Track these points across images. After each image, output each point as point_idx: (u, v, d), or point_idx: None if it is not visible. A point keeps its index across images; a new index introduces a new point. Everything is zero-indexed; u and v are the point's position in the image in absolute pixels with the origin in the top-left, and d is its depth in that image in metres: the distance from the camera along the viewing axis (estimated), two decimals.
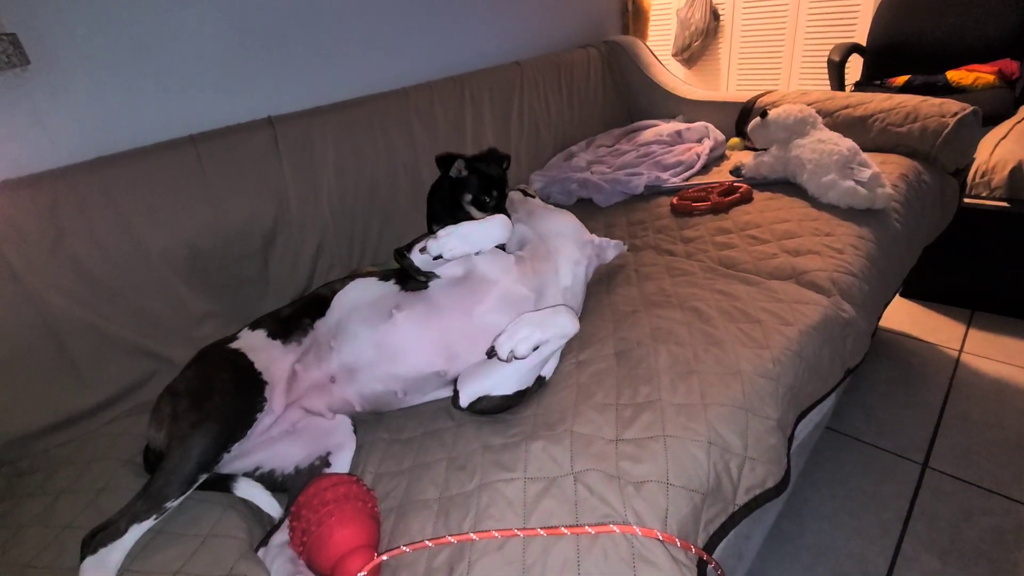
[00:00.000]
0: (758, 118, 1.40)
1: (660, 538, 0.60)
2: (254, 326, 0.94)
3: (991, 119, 1.98)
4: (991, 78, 2.23)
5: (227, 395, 0.78)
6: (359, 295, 0.93)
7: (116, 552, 0.64)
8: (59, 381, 0.99)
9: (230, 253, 1.17)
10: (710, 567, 0.63)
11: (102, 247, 1.03)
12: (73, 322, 1.00)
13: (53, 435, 0.97)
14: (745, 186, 1.35)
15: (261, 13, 1.25)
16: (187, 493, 0.70)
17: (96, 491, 0.78)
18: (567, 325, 0.79)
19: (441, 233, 0.84)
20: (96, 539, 0.65)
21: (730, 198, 1.31)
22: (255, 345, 0.89)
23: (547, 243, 0.99)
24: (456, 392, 0.80)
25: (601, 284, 1.10)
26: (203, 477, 0.71)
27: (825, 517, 1.21)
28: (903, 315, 1.83)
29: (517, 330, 0.75)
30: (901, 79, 2.38)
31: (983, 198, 1.75)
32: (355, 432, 0.84)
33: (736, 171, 1.46)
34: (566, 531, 0.60)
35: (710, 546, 0.66)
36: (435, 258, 0.84)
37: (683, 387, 0.76)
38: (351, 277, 0.98)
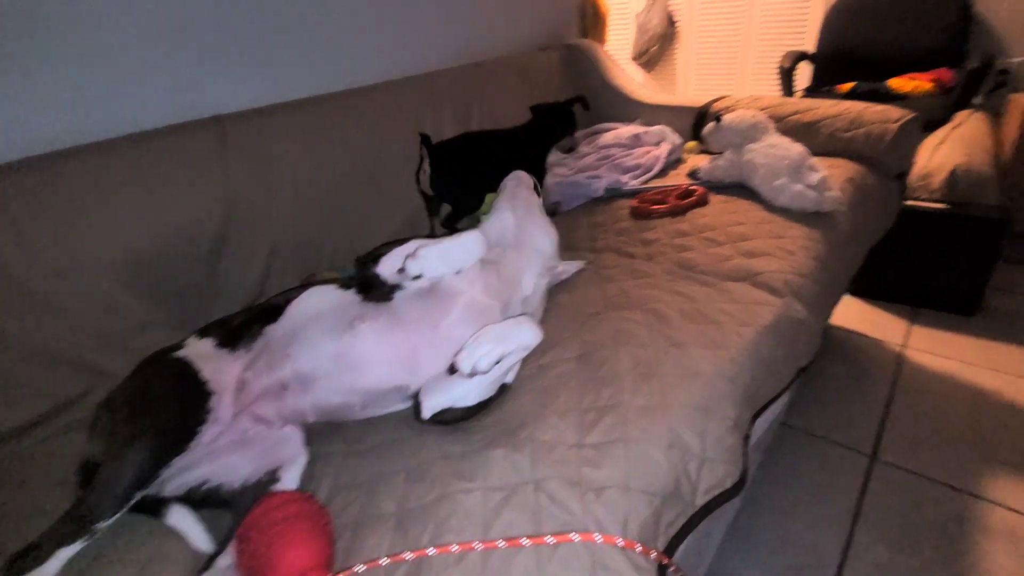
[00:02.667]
0: (713, 123, 1.43)
1: (620, 544, 0.59)
2: (202, 334, 0.89)
3: (929, 125, 2.09)
4: (929, 86, 2.35)
5: (168, 407, 0.74)
6: (317, 303, 0.89)
7: None
8: None
9: (174, 257, 1.11)
10: (670, 570, 0.63)
11: (30, 253, 0.96)
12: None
13: None
14: (701, 189, 1.37)
15: (210, 5, 1.20)
16: (119, 513, 0.65)
17: (27, 515, 0.72)
18: (529, 336, 0.78)
19: (421, 252, 0.82)
20: (16, 566, 0.60)
21: (687, 201, 1.33)
22: (202, 354, 0.84)
23: (522, 253, 0.99)
24: (418, 404, 0.78)
25: (564, 286, 1.09)
26: (139, 495, 0.67)
27: (782, 511, 1.25)
28: (851, 312, 1.91)
29: (478, 345, 0.73)
30: (847, 86, 2.48)
31: (923, 200, 1.84)
32: (307, 445, 0.80)
33: (693, 174, 1.49)
34: (526, 542, 0.59)
35: (670, 548, 0.66)
36: (414, 278, 0.82)
37: (645, 389, 0.76)
38: (308, 284, 0.94)
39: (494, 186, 1.37)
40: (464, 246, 0.86)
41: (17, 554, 0.61)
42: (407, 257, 0.82)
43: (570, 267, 1.12)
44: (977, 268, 1.76)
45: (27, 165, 0.98)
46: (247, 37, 1.27)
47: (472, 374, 0.73)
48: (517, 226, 1.02)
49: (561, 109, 1.58)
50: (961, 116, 2.25)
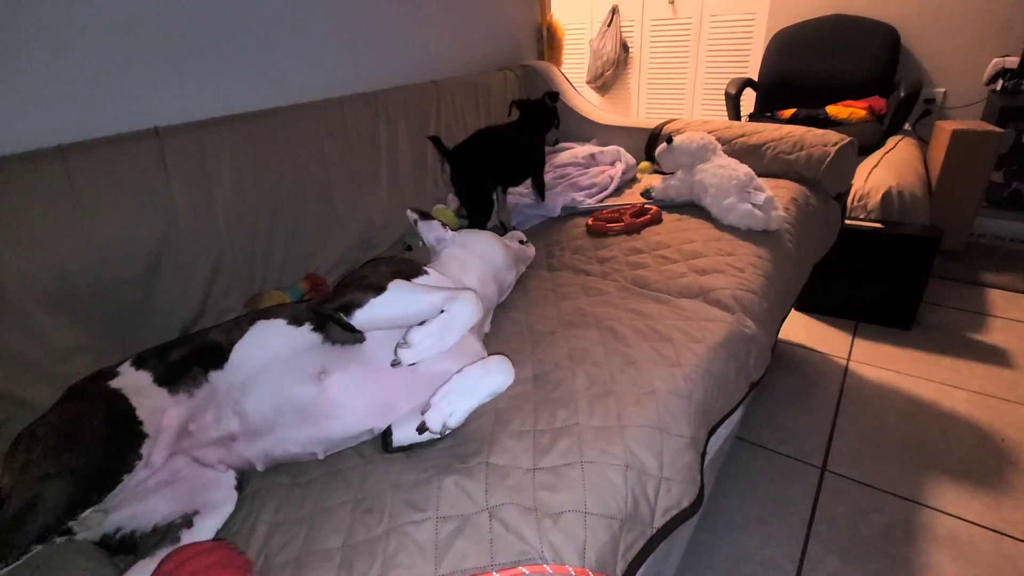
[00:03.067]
0: (665, 144, 1.46)
1: (572, 574, 0.57)
2: (138, 364, 0.81)
3: (865, 149, 2.21)
4: (863, 113, 2.50)
5: (94, 447, 0.66)
6: (268, 348, 0.79)
7: None
8: None
9: (106, 277, 1.04)
10: None
11: None
12: None
13: None
14: (655, 208, 1.40)
15: (149, 13, 1.14)
16: (13, 565, 0.58)
17: None
18: (501, 382, 0.72)
19: (414, 337, 0.73)
20: None
21: (642, 219, 1.35)
22: (139, 388, 0.76)
23: (482, 271, 0.98)
24: (387, 436, 0.75)
25: (519, 303, 1.08)
26: (37, 548, 0.60)
27: (738, 526, 1.25)
28: (797, 327, 1.97)
29: (447, 403, 0.69)
30: (788, 112, 2.61)
31: (860, 220, 1.94)
32: (239, 489, 0.74)
33: (646, 193, 1.52)
34: None
35: (629, 573, 0.64)
36: (411, 365, 0.74)
37: (600, 409, 0.75)
38: (251, 318, 0.85)
39: (499, 182, 1.46)
40: (462, 318, 0.76)
41: None
42: (398, 346, 0.73)
43: (529, 251, 1.15)
44: (912, 284, 1.85)
45: None
46: (191, 46, 1.22)
47: (442, 433, 0.69)
48: (466, 251, 1.00)
49: (542, 104, 1.59)
50: (893, 141, 2.40)
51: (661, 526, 0.69)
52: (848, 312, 2.00)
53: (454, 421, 0.69)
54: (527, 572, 0.55)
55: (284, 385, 0.76)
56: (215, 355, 0.81)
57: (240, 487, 0.76)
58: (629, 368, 0.83)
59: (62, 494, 0.61)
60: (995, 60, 2.46)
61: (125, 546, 0.69)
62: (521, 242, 1.17)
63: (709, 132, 1.54)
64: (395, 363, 0.73)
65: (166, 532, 0.68)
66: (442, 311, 0.75)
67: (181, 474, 0.75)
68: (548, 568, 0.55)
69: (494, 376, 0.72)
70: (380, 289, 0.75)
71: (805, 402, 1.63)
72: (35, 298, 0.96)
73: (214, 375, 0.79)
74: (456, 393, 0.70)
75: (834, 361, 1.80)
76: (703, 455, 0.82)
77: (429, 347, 0.73)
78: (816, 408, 1.60)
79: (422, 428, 0.69)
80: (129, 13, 1.11)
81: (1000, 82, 2.40)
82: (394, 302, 0.75)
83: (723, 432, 0.94)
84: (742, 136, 1.64)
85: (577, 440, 0.70)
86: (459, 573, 0.56)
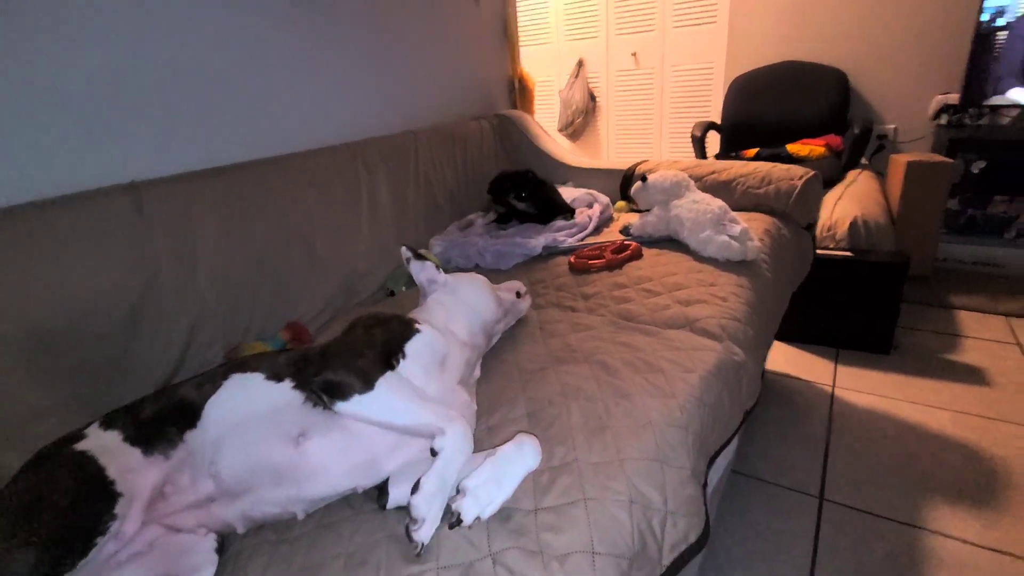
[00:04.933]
0: (639, 182, 1.51)
1: None
2: (106, 424, 0.76)
3: (826, 183, 2.31)
4: (822, 150, 2.63)
5: (62, 513, 0.61)
6: (243, 405, 0.75)
7: None
8: None
9: (83, 333, 1.00)
10: None
11: None
12: None
13: None
14: (635, 244, 1.42)
15: (129, 67, 1.15)
16: None
17: None
18: (533, 463, 0.68)
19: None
20: None
21: (623, 255, 1.37)
22: (109, 448, 0.71)
23: (470, 322, 0.96)
24: (382, 495, 0.71)
25: (506, 343, 1.07)
26: None
27: (741, 562, 1.22)
28: (781, 357, 1.99)
29: (484, 493, 0.63)
30: (751, 151, 2.72)
31: (831, 249, 2.00)
32: (219, 552, 0.70)
33: (625, 230, 1.55)
34: None
35: None
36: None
37: (598, 444, 0.74)
38: (224, 371, 0.80)
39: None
40: (458, 461, 0.66)
41: None
42: (408, 525, 0.63)
43: (517, 304, 1.11)
44: (885, 308, 1.90)
45: None
46: (170, 100, 1.23)
47: (474, 524, 0.63)
48: (455, 299, 0.99)
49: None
50: (852, 175, 2.52)
51: (670, 563, 0.66)
52: (828, 340, 2.03)
53: (489, 512, 0.63)
54: None
55: (260, 445, 0.72)
56: (188, 413, 0.76)
57: (221, 550, 0.71)
58: (623, 401, 0.82)
59: (27, 566, 0.56)
60: (937, 97, 2.63)
61: None
62: (519, 293, 1.14)
63: (681, 170, 1.59)
64: (454, 524, 0.62)
65: None
66: (432, 447, 0.67)
67: (156, 543, 0.70)
68: None
69: (527, 458, 0.68)
70: (368, 382, 0.70)
71: (796, 431, 1.62)
72: (6, 355, 0.92)
73: (190, 435, 0.75)
74: (493, 481, 0.64)
75: (820, 388, 1.81)
76: (705, 485, 0.80)
77: (439, 507, 0.64)
78: (808, 437, 1.59)
79: (455, 523, 0.61)
80: (108, 67, 1.12)
81: (944, 117, 2.56)
82: (380, 409, 0.70)
83: (721, 463, 0.93)
84: (712, 173, 1.70)
85: (577, 477, 0.68)
86: None
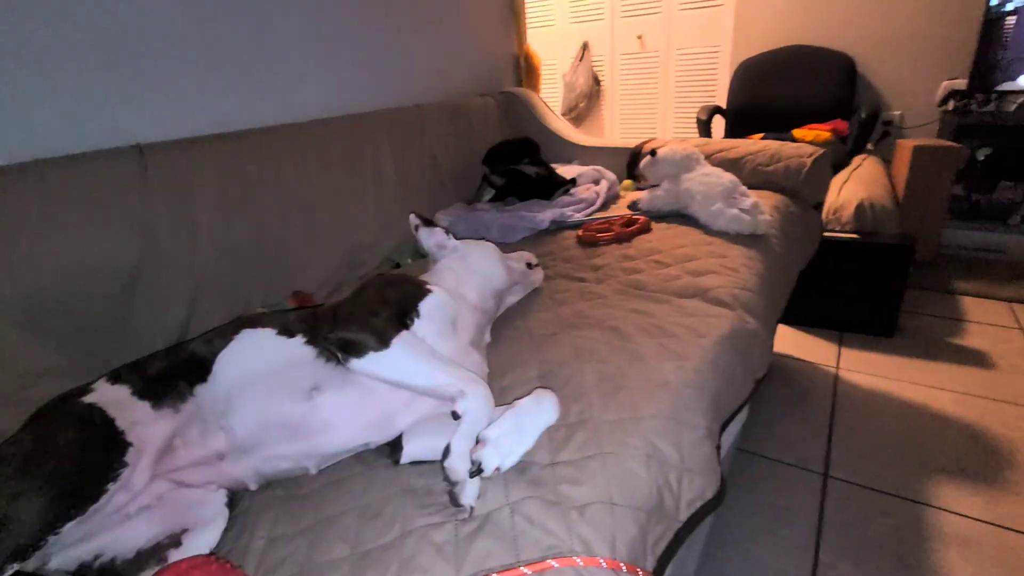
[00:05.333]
0: (649, 156, 1.49)
1: (603, 566, 0.54)
2: (113, 379, 0.75)
3: (832, 168, 2.30)
4: (828, 135, 2.61)
5: (70, 459, 0.60)
6: (255, 359, 0.74)
7: None
8: None
9: (81, 298, 0.98)
10: None
11: None
12: None
13: None
14: (643, 218, 1.41)
15: (133, 30, 1.13)
16: None
17: None
18: (552, 418, 0.67)
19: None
20: None
21: (631, 228, 1.36)
22: (116, 401, 0.70)
23: (481, 288, 0.94)
24: (395, 451, 0.70)
25: (516, 310, 1.06)
26: (14, 567, 0.53)
27: (747, 537, 1.22)
28: (783, 339, 1.99)
29: (506, 443, 0.61)
30: (757, 136, 2.70)
31: (836, 232, 1.99)
32: (230, 506, 0.69)
33: (633, 205, 1.53)
34: None
35: (659, 570, 0.61)
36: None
37: (613, 403, 0.73)
38: (234, 326, 0.79)
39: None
40: (481, 421, 0.65)
41: None
42: (472, 452, 0.61)
43: (535, 276, 1.12)
44: (890, 291, 1.90)
45: None
46: (175, 64, 1.20)
47: (494, 474, 0.62)
48: (465, 265, 0.98)
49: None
50: (858, 160, 2.50)
51: (687, 518, 0.65)
52: (832, 323, 2.03)
53: (509, 464, 0.62)
54: (556, 565, 0.51)
55: (272, 399, 0.71)
56: (198, 367, 0.75)
57: (231, 505, 0.70)
58: (638, 363, 0.81)
59: (35, 510, 0.55)
60: (945, 83, 2.61)
61: (104, 575, 0.63)
62: (529, 265, 1.13)
63: None
64: (463, 510, 0.60)
65: (151, 554, 0.62)
66: (454, 411, 0.65)
67: (165, 496, 0.69)
68: (578, 560, 0.52)
69: (546, 412, 0.67)
70: (383, 340, 0.68)
71: (800, 411, 1.62)
72: (3, 318, 0.90)
73: (200, 389, 0.74)
74: (514, 433, 0.63)
75: (823, 370, 1.81)
76: (718, 448, 0.79)
77: (513, 441, 0.63)
78: (811, 416, 1.59)
79: (475, 472, 0.60)
80: (113, 29, 1.10)
81: (951, 103, 2.54)
82: (395, 368, 0.68)
83: (732, 430, 0.92)
84: (721, 151, 1.69)
85: (594, 433, 0.67)
86: (483, 572, 0.52)
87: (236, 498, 0.72)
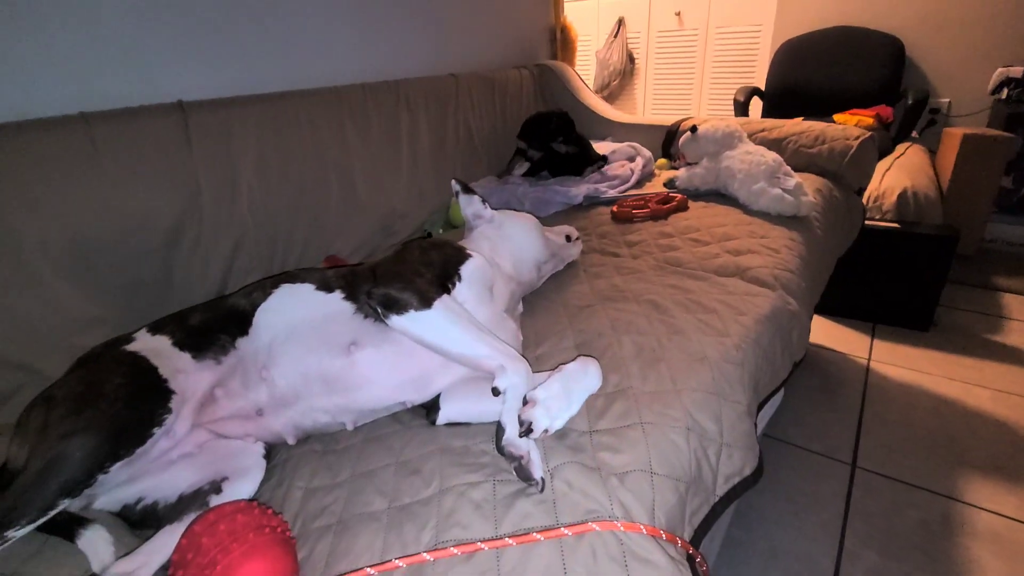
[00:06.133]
0: (689, 133, 1.45)
1: (644, 532, 0.53)
2: (154, 329, 0.76)
3: None
4: (871, 121, 2.51)
5: (118, 402, 0.62)
6: (294, 312, 0.75)
7: None
8: None
9: (125, 249, 1.00)
10: (696, 561, 0.57)
11: None
12: None
13: None
14: (680, 196, 1.38)
15: None
16: (38, 522, 0.54)
17: None
18: (596, 383, 0.67)
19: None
20: None
21: (668, 206, 1.33)
22: (158, 350, 0.72)
23: (515, 257, 0.94)
24: (431, 411, 0.71)
25: (550, 283, 1.05)
26: (65, 503, 0.55)
27: (771, 521, 1.21)
28: (816, 328, 1.95)
29: (552, 404, 0.60)
30: (796, 120, 2.62)
31: (876, 220, 1.93)
32: (267, 458, 0.70)
33: (670, 183, 1.50)
34: (540, 536, 0.52)
35: (695, 541, 0.60)
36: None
37: (653, 375, 0.72)
38: (274, 281, 0.80)
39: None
40: (588, 382, 0.66)
41: None
42: (520, 412, 0.60)
43: (573, 249, 1.11)
44: (929, 284, 1.84)
45: None
46: (218, 24, 1.20)
47: (542, 437, 0.60)
48: (501, 234, 0.97)
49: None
50: (902, 148, 2.41)
51: (724, 493, 0.65)
52: (865, 314, 1.98)
53: (557, 426, 0.60)
54: (597, 528, 0.51)
55: (312, 353, 0.71)
56: (239, 321, 0.76)
57: (268, 458, 0.71)
58: (677, 336, 0.80)
59: (87, 448, 0.57)
60: (1000, 70, 2.49)
61: (147, 518, 0.65)
62: (569, 237, 1.11)
63: None
64: (536, 484, 0.58)
65: (192, 499, 0.64)
66: (495, 387, 0.63)
67: (206, 445, 0.71)
68: (619, 525, 0.51)
69: (591, 378, 0.66)
70: (425, 300, 0.68)
71: (830, 400, 1.59)
72: (52, 266, 0.93)
73: (241, 342, 0.75)
74: (562, 396, 0.61)
75: (855, 361, 1.77)
76: (755, 427, 0.78)
77: (561, 403, 0.62)
78: (841, 406, 1.56)
79: (524, 432, 0.58)
80: None
81: (1005, 91, 2.43)
82: (434, 330, 0.68)
83: (768, 411, 0.91)
84: (763, 131, 1.64)
85: (634, 403, 0.67)
86: (523, 531, 0.52)
87: (272, 451, 0.73)
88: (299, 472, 0.68)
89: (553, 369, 0.67)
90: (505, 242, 0.96)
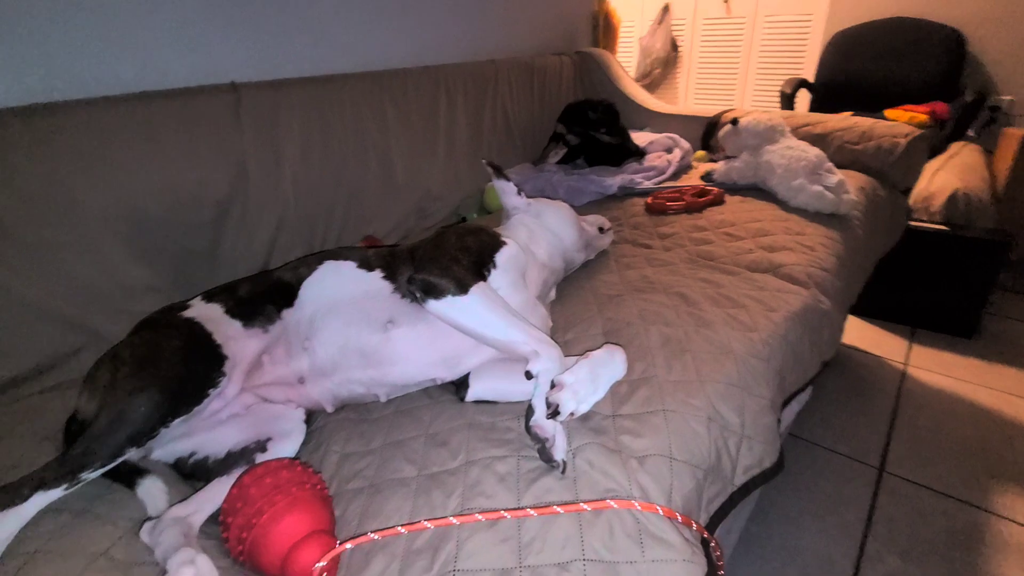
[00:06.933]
0: (729, 125, 1.43)
1: (660, 514, 0.55)
2: (208, 298, 0.82)
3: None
4: (924, 118, 2.41)
5: (178, 364, 0.67)
6: (336, 288, 0.79)
7: (11, 520, 0.53)
8: None
9: (177, 222, 1.06)
10: (711, 546, 0.59)
11: (27, 199, 0.91)
12: None
13: None
14: (717, 189, 1.37)
15: None
16: (108, 466, 0.59)
17: (6, 468, 0.65)
18: (621, 371, 0.67)
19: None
20: None
21: (704, 199, 1.32)
22: (211, 317, 0.77)
23: (552, 244, 0.96)
24: (461, 388, 0.74)
25: (581, 272, 1.07)
26: (131, 451, 0.61)
27: (791, 519, 1.21)
28: (851, 330, 1.91)
29: (579, 388, 0.61)
30: (846, 114, 2.53)
31: (923, 221, 1.87)
32: (307, 423, 0.75)
33: (707, 176, 1.49)
34: (560, 510, 0.55)
35: (710, 527, 0.62)
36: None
37: (678, 365, 0.73)
38: (318, 257, 0.85)
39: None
40: (615, 368, 0.66)
41: None
42: (548, 395, 0.61)
43: (604, 239, 1.13)
44: (976, 290, 1.77)
45: (37, 108, 0.93)
46: (270, 7, 1.25)
47: (568, 420, 0.62)
48: (539, 223, 0.98)
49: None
50: (956, 147, 2.31)
51: (743, 483, 0.66)
52: (905, 317, 1.92)
53: (583, 410, 0.61)
54: (615, 506, 0.53)
55: (351, 327, 0.75)
56: (285, 293, 0.81)
57: (308, 423, 0.76)
58: (704, 329, 0.81)
59: (151, 404, 0.62)
60: None
61: (197, 471, 0.70)
62: (601, 229, 1.13)
63: None
64: (557, 465, 0.60)
65: (240, 456, 0.69)
66: (528, 371, 0.64)
67: (253, 408, 0.76)
68: (637, 504, 0.54)
69: (617, 365, 0.67)
70: (462, 286, 0.70)
71: (860, 403, 1.57)
72: (111, 235, 0.99)
73: (286, 313, 0.80)
74: (589, 381, 0.62)
75: (890, 365, 1.73)
76: (778, 422, 0.79)
77: (587, 385, 0.63)
78: (872, 410, 1.54)
79: (552, 415, 0.59)
80: None
81: None
82: (470, 316, 0.69)
83: (794, 407, 0.91)
84: (807, 125, 1.60)
85: (657, 390, 0.68)
86: (544, 504, 0.55)
87: (312, 417, 0.78)
88: (335, 438, 0.73)
89: (581, 355, 0.69)
90: (542, 231, 0.98)
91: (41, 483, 0.55)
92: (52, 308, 0.91)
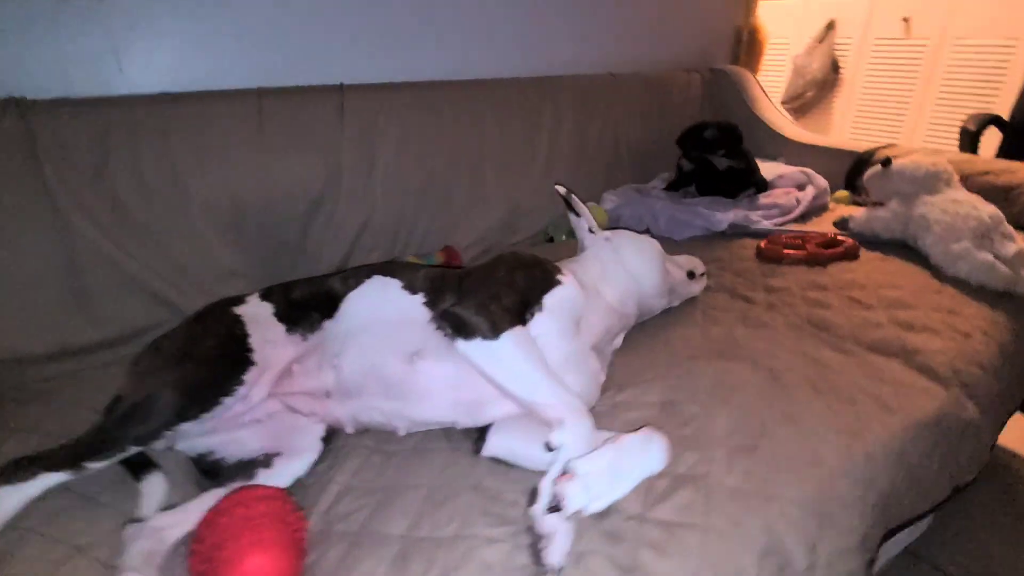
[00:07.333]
0: (879, 166, 1.20)
1: None
2: (265, 295, 0.83)
3: None
4: None
5: (203, 367, 0.68)
6: (376, 307, 0.77)
7: (14, 496, 0.55)
8: (68, 310, 0.95)
9: (272, 214, 1.12)
10: None
11: (144, 184, 1.00)
12: (97, 254, 0.96)
13: (49, 364, 0.92)
14: (851, 240, 1.14)
15: None
16: (110, 461, 0.60)
17: (56, 435, 0.69)
18: (657, 466, 0.57)
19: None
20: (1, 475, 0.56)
21: (831, 251, 1.11)
22: (259, 317, 0.78)
23: (625, 285, 0.86)
24: (479, 439, 0.67)
25: (658, 319, 0.93)
26: (134, 451, 0.62)
27: None
28: (1015, 431, 1.52)
29: (592, 482, 0.51)
30: None
31: None
32: (326, 441, 0.72)
33: (842, 223, 1.26)
34: None
35: None
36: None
37: (741, 466, 0.59)
38: (369, 271, 0.82)
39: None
40: (648, 463, 0.57)
41: (7, 465, 0.58)
42: (556, 482, 0.52)
43: (694, 286, 0.99)
44: None
45: (164, 98, 1.03)
46: (377, 11, 1.27)
47: (575, 517, 0.52)
48: (616, 259, 0.88)
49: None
50: None
51: None
52: None
53: (594, 509, 0.52)
54: None
55: (378, 352, 0.72)
56: (330, 303, 0.79)
57: (327, 440, 0.73)
58: (788, 424, 0.65)
59: (169, 403, 0.63)
60: None
61: (212, 471, 0.70)
62: (692, 274, 0.99)
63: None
64: (547, 570, 0.50)
65: (245, 468, 0.67)
66: (548, 442, 0.56)
67: (275, 416, 0.75)
68: None
69: (653, 458, 0.56)
70: (494, 329, 0.64)
71: (1015, 528, 1.23)
72: (212, 222, 1.07)
73: (327, 324, 0.79)
74: (609, 473, 0.53)
75: None
76: (871, 562, 0.61)
77: (605, 483, 0.53)
78: None
79: (556, 507, 0.50)
80: None
81: None
82: (497, 364, 0.63)
83: (902, 539, 0.71)
84: (987, 173, 1.30)
85: (704, 496, 0.55)
86: None
87: (333, 434, 0.74)
88: (346, 465, 0.69)
89: (620, 428, 0.58)
90: (617, 269, 0.87)
91: (47, 466, 0.57)
92: (145, 282, 0.99)
